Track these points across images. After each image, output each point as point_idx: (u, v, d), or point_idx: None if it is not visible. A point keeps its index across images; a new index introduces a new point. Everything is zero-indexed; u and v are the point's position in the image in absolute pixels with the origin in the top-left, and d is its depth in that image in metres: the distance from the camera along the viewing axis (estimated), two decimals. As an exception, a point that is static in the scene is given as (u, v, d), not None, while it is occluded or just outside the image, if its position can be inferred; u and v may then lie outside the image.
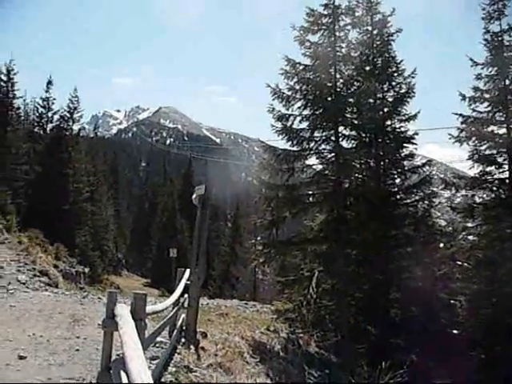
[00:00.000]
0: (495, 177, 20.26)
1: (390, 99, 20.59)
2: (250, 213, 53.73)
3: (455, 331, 18.90)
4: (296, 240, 19.47)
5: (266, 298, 36.30)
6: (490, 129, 20.50)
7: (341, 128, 19.29)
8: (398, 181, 20.50)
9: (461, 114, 20.36)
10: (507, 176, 20.12)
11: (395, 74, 20.55)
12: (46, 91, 42.50)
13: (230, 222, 78.82)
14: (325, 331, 18.08)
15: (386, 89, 20.63)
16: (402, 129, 20.20)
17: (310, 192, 19.90)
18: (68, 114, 41.79)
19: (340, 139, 19.14)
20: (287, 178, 19.21)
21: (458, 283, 20.04)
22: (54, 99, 43.00)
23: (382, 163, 20.07)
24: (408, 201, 20.24)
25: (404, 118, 20.23)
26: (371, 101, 20.15)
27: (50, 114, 43.02)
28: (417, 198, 20.08)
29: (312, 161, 19.83)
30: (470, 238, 22.18)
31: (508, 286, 18.42)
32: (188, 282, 12.14)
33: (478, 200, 21.02)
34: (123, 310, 5.10)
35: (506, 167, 20.15)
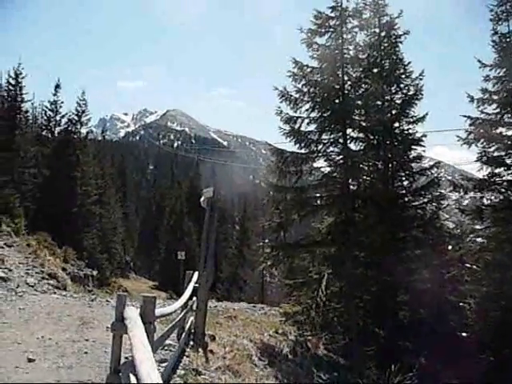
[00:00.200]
0: (504, 178, 20.13)
1: (398, 101, 20.54)
2: (258, 215, 53.91)
3: (464, 334, 18.81)
4: (304, 242, 19.43)
5: (273, 301, 36.32)
6: (498, 130, 20.37)
7: (349, 130, 19.26)
8: (406, 183, 20.45)
9: (469, 116, 20.26)
10: (516, 178, 20.05)
11: (403, 76, 20.51)
12: (54, 94, 42.52)
13: (237, 224, 78.80)
14: (333, 334, 18.09)
15: (393, 91, 20.60)
16: (410, 131, 20.16)
17: (318, 194, 19.88)
18: (76, 118, 41.82)
19: (348, 141, 19.11)
20: (295, 181, 19.19)
21: (466, 285, 19.93)
22: (62, 102, 43.07)
23: (390, 165, 20.02)
24: (416, 203, 20.18)
25: (412, 120, 20.19)
26: (379, 103, 20.12)
27: (58, 118, 43.03)
28: (425, 200, 20.02)
29: (320, 163, 19.84)
30: (479, 240, 22.08)
31: (517, 288, 18.35)
32: (196, 285, 12.16)
33: (486, 202, 20.92)
34: (133, 313, 5.10)
35: (515, 169, 20.07)
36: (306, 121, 19.21)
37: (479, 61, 20.38)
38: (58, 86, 42.30)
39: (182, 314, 10.94)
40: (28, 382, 7.42)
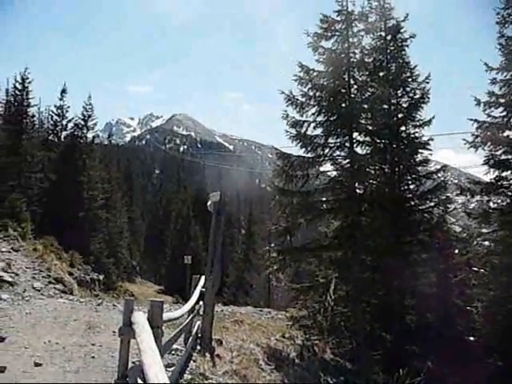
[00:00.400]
0: (511, 182, 20.09)
1: (405, 105, 20.50)
2: (264, 219, 53.91)
3: (471, 338, 18.75)
4: (311, 247, 19.41)
5: (280, 305, 36.31)
6: (505, 133, 20.29)
7: (355, 134, 19.23)
8: (412, 187, 20.39)
9: (476, 120, 20.19)
10: (524, 181, 19.98)
11: (409, 80, 20.47)
12: (60, 99, 42.70)
13: (243, 228, 78.79)
14: (340, 338, 18.04)
15: (400, 94, 20.55)
16: (417, 134, 20.11)
17: (325, 198, 19.85)
18: (82, 122, 41.93)
19: (354, 145, 19.08)
20: (302, 185, 19.18)
21: (473, 289, 19.88)
22: (68, 107, 43.22)
23: (396, 169, 19.99)
24: (423, 207, 20.11)
25: (418, 123, 20.14)
26: (385, 107, 20.08)
27: (64, 122, 43.18)
28: (432, 203, 19.98)
29: (326, 167, 19.79)
30: (486, 243, 22.03)
31: (525, 292, 18.28)
32: (203, 289, 12.15)
33: (493, 205, 20.85)
34: (140, 318, 5.09)
35: (523, 172, 20.01)
36: (313, 125, 19.21)
37: (486, 64, 20.33)
38: (64, 91, 42.45)
39: (189, 318, 10.93)
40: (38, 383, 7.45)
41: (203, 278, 12.74)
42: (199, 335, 12.17)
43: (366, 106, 19.50)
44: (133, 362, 6.15)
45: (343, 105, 19.26)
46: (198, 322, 12.55)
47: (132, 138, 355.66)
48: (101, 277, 32.25)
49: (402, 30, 20.61)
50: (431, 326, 18.01)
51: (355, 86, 19.47)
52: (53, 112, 43.88)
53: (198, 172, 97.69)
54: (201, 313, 12.41)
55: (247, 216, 74.95)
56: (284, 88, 19.55)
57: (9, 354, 8.86)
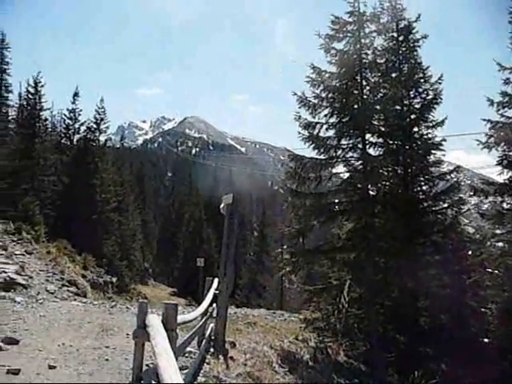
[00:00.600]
0: (525, 182, 19.95)
1: (417, 106, 20.37)
2: (277, 221, 53.84)
3: (486, 339, 18.63)
4: (324, 248, 19.37)
5: (293, 307, 36.25)
6: (519, 134, 20.21)
7: (368, 135, 19.19)
8: (425, 188, 20.26)
9: (489, 120, 20.07)
10: (537, 181, 19.83)
11: (422, 81, 20.34)
12: (73, 102, 42.98)
13: (256, 230, 78.72)
14: (353, 340, 17.96)
15: (412, 95, 20.43)
16: (430, 135, 19.98)
17: (338, 200, 19.80)
18: (94, 125, 42.19)
19: (367, 147, 19.04)
20: (314, 187, 19.15)
21: (487, 291, 19.75)
22: (81, 110, 43.51)
23: (409, 170, 19.88)
24: (436, 208, 20.00)
25: (431, 124, 20.02)
26: (398, 108, 19.98)
27: (76, 126, 43.49)
28: (445, 205, 19.85)
29: (339, 169, 19.75)
30: (500, 244, 21.89)
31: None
32: (216, 292, 12.15)
33: (506, 206, 20.72)
34: (155, 321, 5.08)
35: (536, 173, 19.86)
36: (325, 126, 19.17)
37: (499, 64, 20.22)
38: (76, 94, 42.77)
39: (203, 320, 10.93)
40: (54, 383, 7.47)
41: (216, 280, 12.74)
42: (213, 337, 12.16)
43: (378, 107, 19.46)
44: (146, 365, 6.14)
45: (355, 106, 19.22)
46: (212, 325, 12.55)
47: (144, 141, 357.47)
48: (114, 279, 32.42)
49: (413, 31, 20.51)
50: (445, 327, 17.91)
51: (367, 88, 19.44)
52: (65, 115, 44.25)
53: (211, 174, 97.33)
54: (214, 315, 12.40)
55: (260, 218, 74.98)
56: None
57: (23, 357, 8.88)
